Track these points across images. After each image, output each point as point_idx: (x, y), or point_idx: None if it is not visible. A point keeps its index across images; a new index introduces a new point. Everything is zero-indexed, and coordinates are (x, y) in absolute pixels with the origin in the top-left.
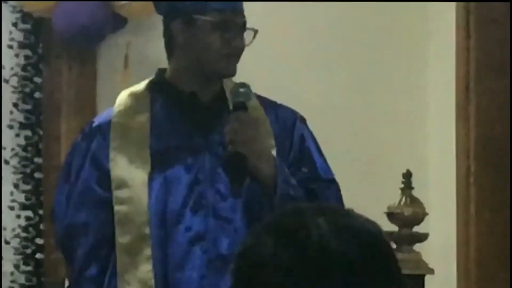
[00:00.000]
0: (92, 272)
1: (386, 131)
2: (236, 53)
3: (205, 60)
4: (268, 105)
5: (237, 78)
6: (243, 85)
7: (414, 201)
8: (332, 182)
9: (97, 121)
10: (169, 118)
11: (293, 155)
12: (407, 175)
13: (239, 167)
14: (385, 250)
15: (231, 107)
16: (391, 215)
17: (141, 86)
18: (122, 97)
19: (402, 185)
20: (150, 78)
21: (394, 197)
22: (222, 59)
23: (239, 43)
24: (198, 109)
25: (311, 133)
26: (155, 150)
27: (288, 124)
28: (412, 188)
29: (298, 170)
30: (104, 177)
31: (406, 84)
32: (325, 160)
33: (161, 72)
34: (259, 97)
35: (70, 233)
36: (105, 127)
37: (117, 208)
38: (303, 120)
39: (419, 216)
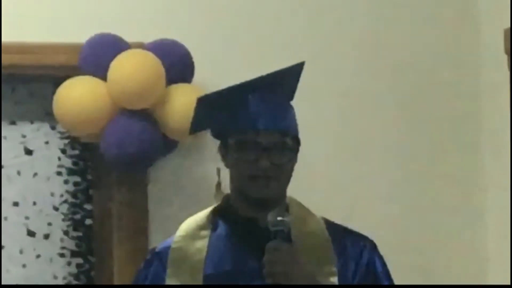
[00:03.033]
0: None
1: (444, 239)
2: (263, 174)
3: (237, 183)
4: (336, 230)
5: None
6: (281, 213)
7: None
8: None
9: (158, 247)
10: (227, 243)
11: (357, 281)
12: None
13: None
14: None
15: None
16: None
17: (205, 212)
18: (186, 223)
19: None
20: (216, 204)
21: None
22: (247, 181)
23: (263, 164)
24: (256, 235)
25: (380, 259)
26: (208, 275)
27: (355, 251)
28: None
29: None
30: None
31: (463, 185)
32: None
33: (227, 196)
34: (327, 222)
35: None
36: (164, 253)
37: None
38: (372, 247)
39: None
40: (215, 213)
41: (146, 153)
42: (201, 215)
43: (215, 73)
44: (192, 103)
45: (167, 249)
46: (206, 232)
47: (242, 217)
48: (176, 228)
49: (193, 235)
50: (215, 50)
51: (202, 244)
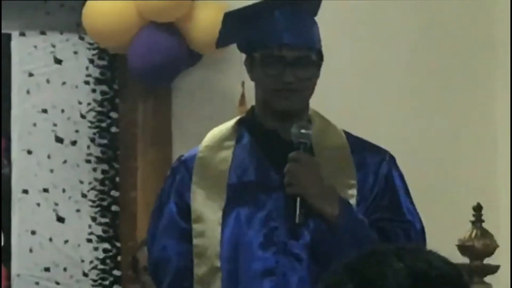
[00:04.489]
0: None
1: (456, 164)
2: (286, 87)
3: (261, 96)
4: (356, 143)
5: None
6: (305, 126)
7: (485, 234)
8: (412, 224)
9: (184, 156)
10: (250, 154)
11: (376, 194)
12: (478, 208)
13: (300, 208)
14: None
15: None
16: (462, 248)
17: (231, 122)
18: (211, 133)
19: (473, 218)
20: (242, 115)
21: (465, 229)
22: (271, 94)
23: (287, 78)
24: (278, 146)
25: (399, 173)
26: (232, 185)
27: (374, 163)
28: (482, 221)
29: (379, 209)
30: (185, 210)
31: (476, 115)
32: (412, 202)
33: (252, 108)
34: (348, 135)
35: (156, 265)
36: (190, 161)
37: (194, 241)
38: (391, 160)
39: (490, 248)
40: (240, 125)
41: (170, 64)
42: (226, 126)
43: None
44: (217, 18)
45: (193, 158)
46: (230, 143)
47: (265, 129)
48: (199, 139)
49: (218, 145)
50: None
51: (226, 154)
